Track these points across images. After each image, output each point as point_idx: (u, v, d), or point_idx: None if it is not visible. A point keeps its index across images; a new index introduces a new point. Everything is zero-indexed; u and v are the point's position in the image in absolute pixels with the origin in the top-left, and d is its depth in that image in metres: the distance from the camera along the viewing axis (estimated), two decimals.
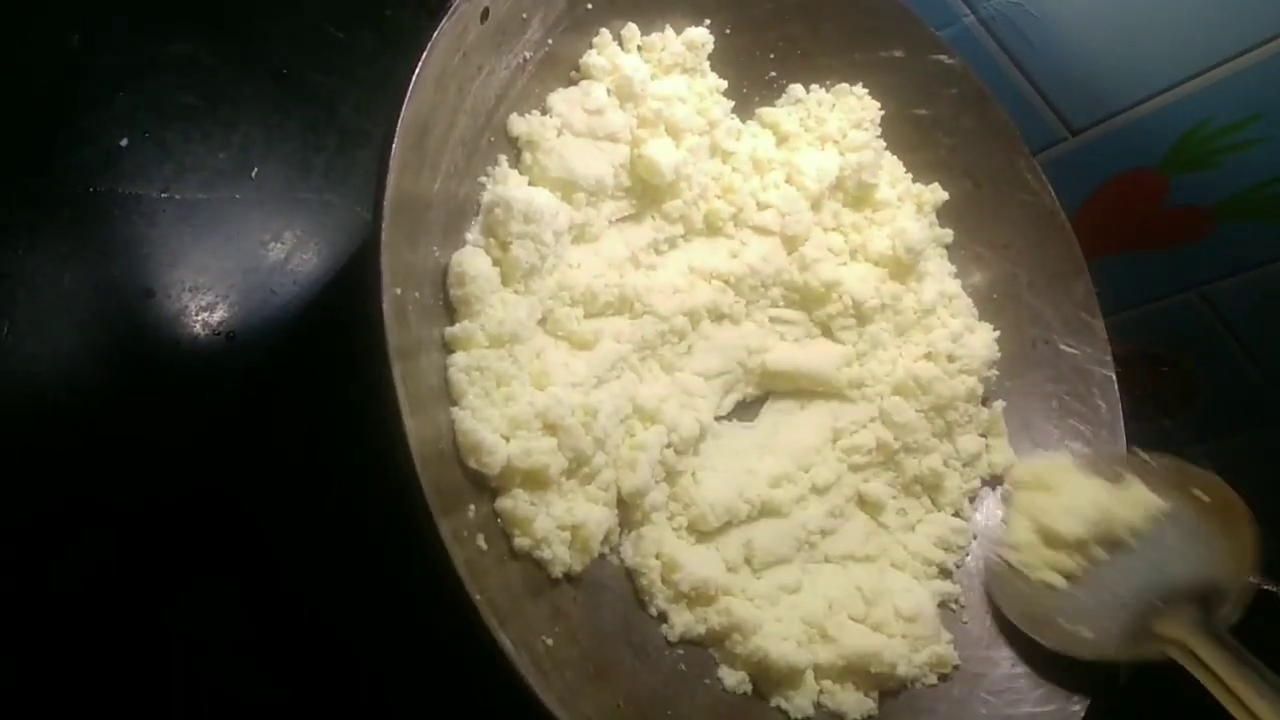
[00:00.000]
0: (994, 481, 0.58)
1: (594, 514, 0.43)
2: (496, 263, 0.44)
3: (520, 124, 0.48)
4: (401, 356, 0.35)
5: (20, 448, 0.43)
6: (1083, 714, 0.48)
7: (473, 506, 0.39)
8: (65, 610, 0.42)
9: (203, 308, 0.49)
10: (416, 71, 0.38)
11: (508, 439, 0.41)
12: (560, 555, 0.41)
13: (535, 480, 0.41)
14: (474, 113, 0.45)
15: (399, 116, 0.37)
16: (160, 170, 0.50)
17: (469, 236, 0.44)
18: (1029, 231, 0.61)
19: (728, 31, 0.57)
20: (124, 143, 0.49)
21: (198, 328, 0.48)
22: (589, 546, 0.43)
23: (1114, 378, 0.58)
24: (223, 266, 0.50)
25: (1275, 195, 0.64)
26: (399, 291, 0.37)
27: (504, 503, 0.40)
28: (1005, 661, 0.51)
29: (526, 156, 0.48)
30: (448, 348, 0.41)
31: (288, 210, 0.53)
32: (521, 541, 0.40)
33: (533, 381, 0.43)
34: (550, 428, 0.42)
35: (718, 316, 0.54)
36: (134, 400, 0.46)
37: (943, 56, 0.60)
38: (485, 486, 0.40)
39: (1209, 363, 0.74)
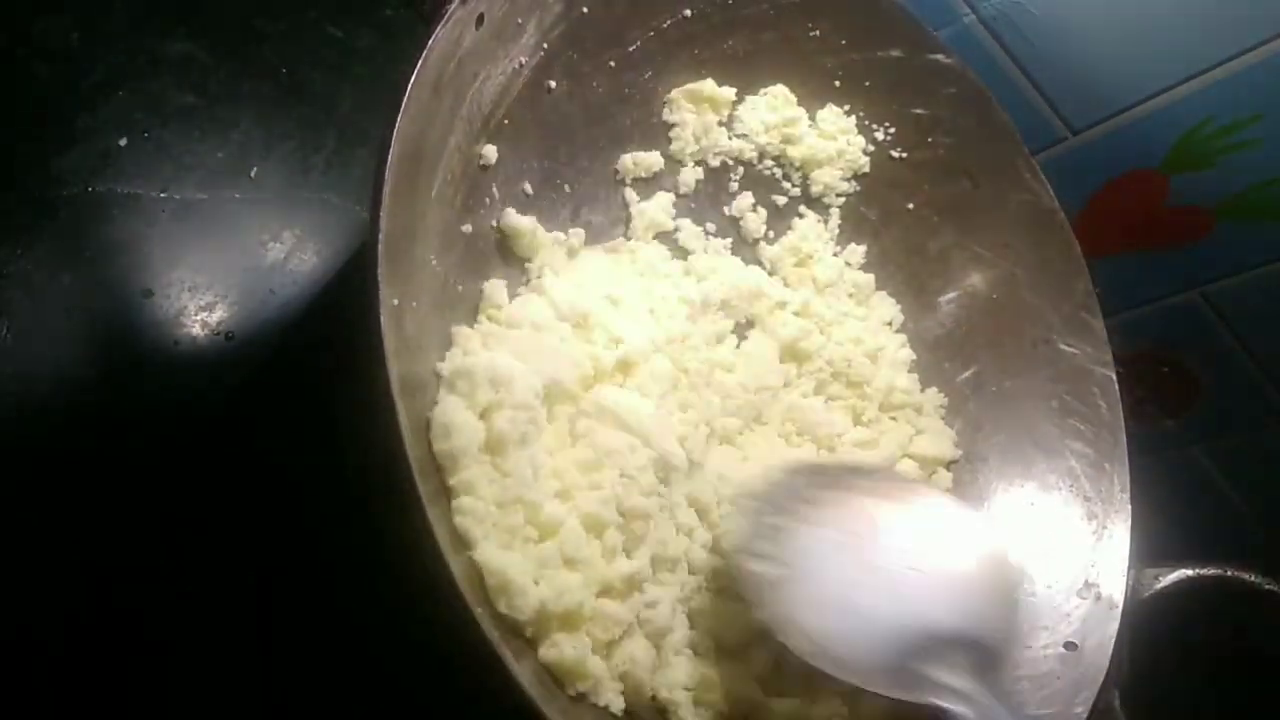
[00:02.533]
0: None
1: (637, 650, 0.42)
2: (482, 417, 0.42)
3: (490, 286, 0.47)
4: (399, 361, 0.35)
5: (19, 447, 0.43)
6: (1085, 716, 0.48)
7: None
8: (64, 610, 0.42)
9: (202, 307, 0.49)
10: (412, 79, 0.38)
11: (537, 581, 0.39)
12: (615, 701, 0.40)
13: (571, 621, 0.40)
14: (470, 119, 0.45)
15: (395, 126, 0.37)
16: (159, 170, 0.50)
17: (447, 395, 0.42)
18: (1029, 231, 0.60)
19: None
20: (123, 142, 0.49)
21: (197, 327, 0.48)
22: (641, 690, 0.42)
23: (1114, 377, 0.58)
24: (222, 266, 0.50)
25: (1276, 195, 0.64)
26: (396, 302, 0.36)
27: (548, 653, 0.39)
28: (1007, 665, 0.51)
29: (483, 322, 0.46)
30: (451, 494, 0.39)
31: (287, 209, 0.53)
32: (580, 688, 0.39)
33: (543, 532, 0.41)
34: (570, 562, 0.41)
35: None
36: (133, 400, 0.46)
37: (940, 56, 0.60)
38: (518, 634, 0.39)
39: (1210, 363, 0.74)
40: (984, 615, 0.42)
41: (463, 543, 0.38)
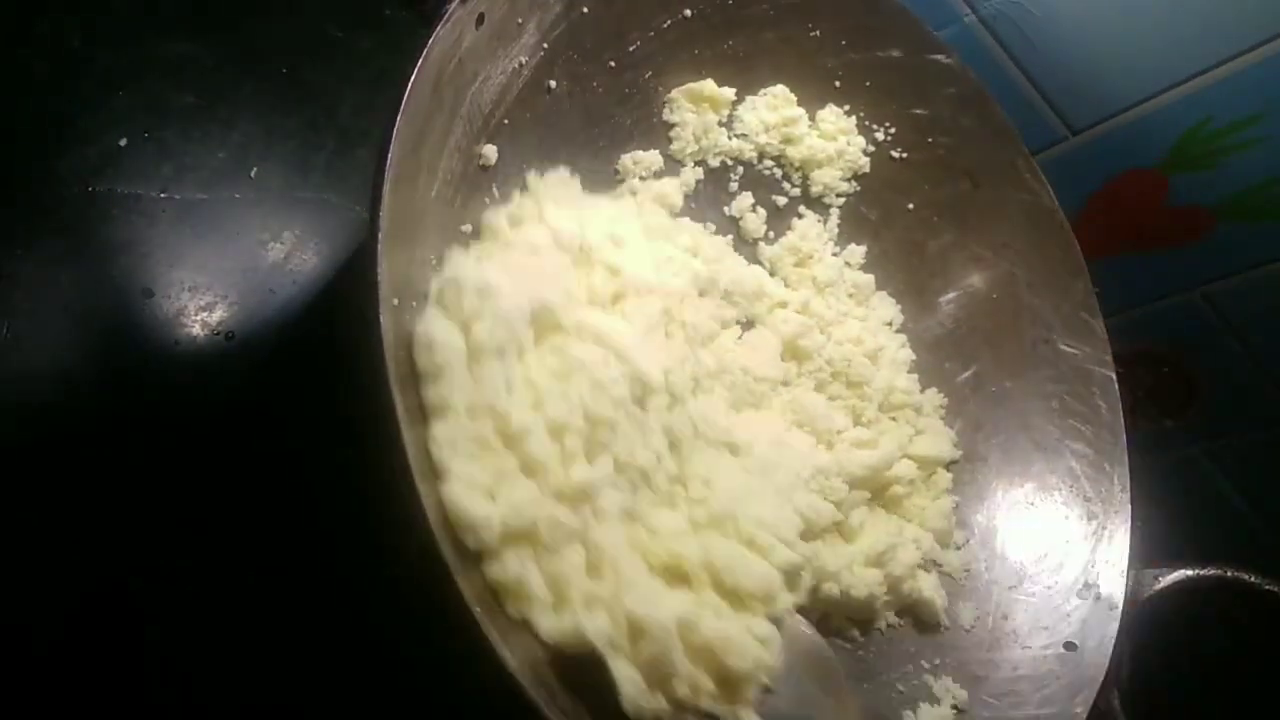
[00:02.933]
0: None
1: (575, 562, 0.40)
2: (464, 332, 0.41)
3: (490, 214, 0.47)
4: (398, 364, 0.35)
5: (18, 447, 0.43)
6: (1085, 716, 0.48)
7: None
8: (64, 610, 0.42)
9: (202, 307, 0.49)
10: (412, 78, 0.38)
11: (494, 497, 0.38)
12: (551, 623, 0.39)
13: (522, 538, 0.39)
14: (470, 118, 0.45)
15: (394, 125, 0.37)
16: (159, 170, 0.50)
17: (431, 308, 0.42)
18: (1028, 231, 0.61)
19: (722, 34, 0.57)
20: (123, 142, 0.49)
21: (197, 327, 0.48)
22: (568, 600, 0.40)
23: (1114, 377, 0.58)
24: (222, 266, 0.50)
25: (1276, 195, 0.64)
26: (396, 302, 0.37)
27: (493, 569, 0.38)
28: (1006, 665, 0.51)
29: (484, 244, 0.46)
30: (427, 416, 0.39)
31: (287, 210, 0.53)
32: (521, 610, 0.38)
33: (508, 442, 0.40)
34: (529, 469, 0.40)
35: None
36: (133, 400, 0.46)
37: (940, 56, 0.60)
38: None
39: (1209, 362, 0.74)
40: (808, 692, 0.45)
41: (435, 473, 0.37)
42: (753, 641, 0.43)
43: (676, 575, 0.45)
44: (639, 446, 0.45)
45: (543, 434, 0.41)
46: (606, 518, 0.42)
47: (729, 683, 0.41)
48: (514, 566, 0.38)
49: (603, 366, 0.44)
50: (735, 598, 0.44)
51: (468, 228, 0.46)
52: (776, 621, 0.45)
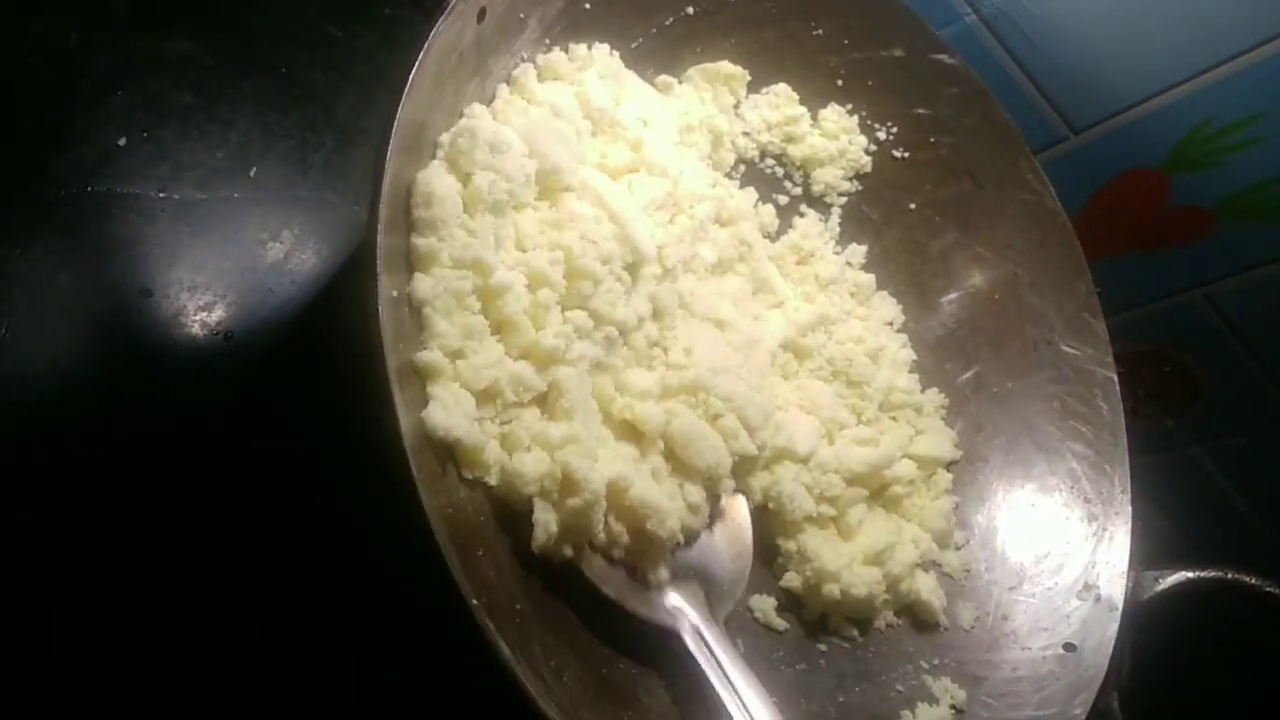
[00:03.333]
0: None
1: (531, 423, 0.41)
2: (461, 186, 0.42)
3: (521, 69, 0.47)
4: (397, 352, 0.35)
5: (17, 447, 0.43)
6: (1084, 717, 0.48)
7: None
8: (63, 611, 0.42)
9: (200, 307, 0.49)
10: (412, 73, 0.37)
11: (462, 355, 0.39)
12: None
13: (487, 396, 0.40)
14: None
15: (394, 119, 0.36)
16: (158, 169, 0.50)
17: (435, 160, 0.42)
18: (1031, 231, 0.61)
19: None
20: (121, 142, 0.49)
21: (195, 327, 0.48)
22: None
23: (1115, 379, 0.58)
24: (220, 266, 0.50)
25: (1277, 195, 0.64)
26: (395, 293, 0.36)
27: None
28: (1006, 666, 0.51)
29: (501, 97, 0.46)
30: (413, 267, 0.39)
31: (286, 209, 0.53)
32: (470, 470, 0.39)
33: (486, 298, 0.41)
34: (501, 325, 0.40)
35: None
36: (131, 400, 0.46)
37: (943, 56, 0.60)
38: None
39: (1212, 362, 0.74)
40: (719, 553, 0.48)
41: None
42: (681, 508, 0.44)
43: (630, 432, 0.45)
44: (621, 305, 0.46)
45: (521, 289, 0.41)
46: (575, 365, 0.43)
47: (644, 541, 0.42)
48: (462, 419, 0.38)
49: (595, 224, 0.45)
50: (681, 467, 0.45)
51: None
52: (715, 497, 0.46)
